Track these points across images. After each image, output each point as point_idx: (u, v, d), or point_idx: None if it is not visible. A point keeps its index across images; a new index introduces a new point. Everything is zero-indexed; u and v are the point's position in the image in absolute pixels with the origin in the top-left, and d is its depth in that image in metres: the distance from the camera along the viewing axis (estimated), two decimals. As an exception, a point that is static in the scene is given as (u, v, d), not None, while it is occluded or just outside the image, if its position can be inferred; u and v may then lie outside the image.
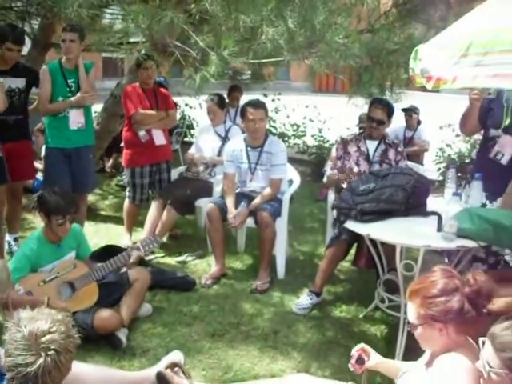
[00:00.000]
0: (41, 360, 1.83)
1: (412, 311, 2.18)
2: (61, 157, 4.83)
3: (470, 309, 2.07)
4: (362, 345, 2.50)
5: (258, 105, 4.66)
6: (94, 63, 4.97)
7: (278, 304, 4.20)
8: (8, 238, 5.06)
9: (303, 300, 4.12)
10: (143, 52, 4.74)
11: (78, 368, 2.82)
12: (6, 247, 4.95)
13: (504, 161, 3.64)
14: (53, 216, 3.60)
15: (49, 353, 1.85)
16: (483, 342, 1.93)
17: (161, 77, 6.86)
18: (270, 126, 8.58)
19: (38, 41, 6.33)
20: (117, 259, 3.78)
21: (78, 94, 4.71)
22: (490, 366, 1.87)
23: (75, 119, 4.78)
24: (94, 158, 5.35)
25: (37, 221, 5.72)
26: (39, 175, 5.91)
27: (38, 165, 5.99)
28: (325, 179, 4.72)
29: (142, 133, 5.12)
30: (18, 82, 4.65)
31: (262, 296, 4.31)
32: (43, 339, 1.87)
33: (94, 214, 5.96)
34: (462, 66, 2.04)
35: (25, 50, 5.13)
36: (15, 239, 5.03)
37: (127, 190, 5.46)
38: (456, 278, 2.15)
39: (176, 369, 2.89)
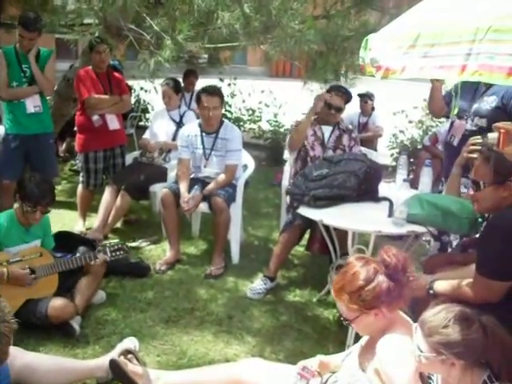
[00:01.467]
0: None
1: (343, 308, 2.23)
2: (17, 143, 4.73)
3: (393, 285, 2.15)
4: (302, 362, 2.52)
5: (214, 92, 4.62)
6: (53, 51, 4.86)
7: (232, 289, 4.23)
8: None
9: (257, 285, 4.16)
10: (96, 35, 4.65)
11: (30, 357, 2.83)
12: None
13: (455, 143, 3.75)
14: (25, 203, 3.55)
15: None
16: (415, 328, 2.01)
17: (115, 60, 6.75)
18: (226, 110, 8.55)
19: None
20: (83, 258, 3.74)
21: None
22: (421, 351, 1.96)
23: (32, 102, 4.70)
24: (53, 145, 5.24)
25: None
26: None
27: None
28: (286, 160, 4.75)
29: (95, 117, 5.05)
30: None
31: (217, 281, 4.33)
32: None
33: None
34: (411, 56, 2.08)
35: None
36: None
37: (81, 175, 5.39)
38: (371, 262, 2.22)
39: (130, 356, 2.88)
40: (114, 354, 2.97)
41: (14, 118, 4.71)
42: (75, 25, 4.59)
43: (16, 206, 3.65)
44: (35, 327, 3.48)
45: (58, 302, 3.50)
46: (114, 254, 3.90)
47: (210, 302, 4.00)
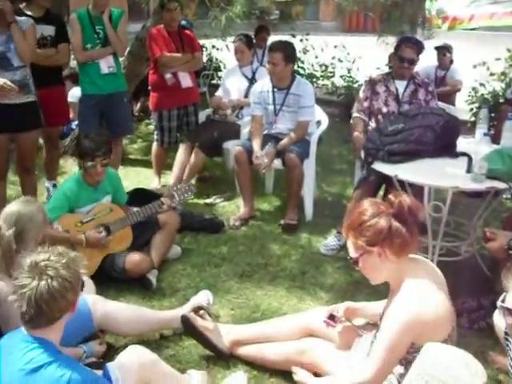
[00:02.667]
0: (34, 282, 1.90)
1: (351, 246, 2.28)
2: (93, 103, 4.84)
3: (398, 226, 2.16)
4: (332, 306, 2.57)
5: (275, 48, 4.55)
6: (124, 11, 4.89)
7: (305, 245, 4.23)
8: (47, 184, 5.15)
9: (331, 241, 4.14)
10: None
11: (111, 306, 2.94)
12: (45, 193, 5.06)
13: None
14: (84, 159, 3.65)
15: (42, 276, 1.91)
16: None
17: (184, 20, 6.75)
18: (298, 66, 8.41)
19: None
20: (152, 206, 3.81)
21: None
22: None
23: (106, 63, 4.77)
24: (128, 103, 5.34)
25: (67, 166, 5.83)
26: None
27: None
28: (351, 121, 4.64)
29: (168, 76, 5.10)
30: (50, 30, 4.59)
31: (290, 237, 4.34)
32: (41, 264, 1.94)
33: (123, 158, 5.98)
34: (479, 4, 1.96)
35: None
36: (54, 185, 5.10)
37: (155, 133, 5.48)
38: (381, 204, 2.24)
39: (201, 312, 2.95)
40: (187, 307, 3.05)
41: (90, 79, 4.81)
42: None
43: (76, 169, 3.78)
44: (115, 280, 3.63)
45: (134, 257, 3.62)
46: (181, 196, 3.94)
47: (283, 258, 4.02)
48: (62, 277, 1.93)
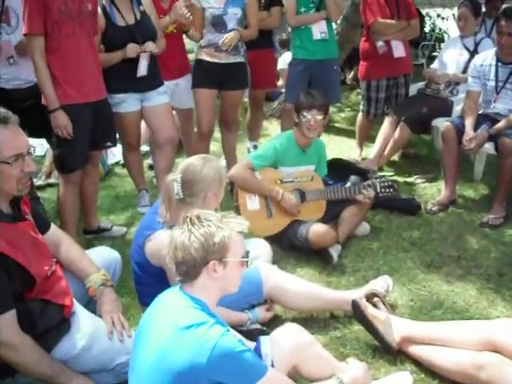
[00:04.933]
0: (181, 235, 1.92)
1: None
2: (303, 68, 4.78)
3: None
4: None
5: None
6: None
7: (508, 243, 3.74)
8: (249, 144, 5.30)
9: (542, 243, 3.62)
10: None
11: (284, 277, 2.90)
12: (246, 153, 5.19)
13: None
14: (300, 111, 3.65)
15: (188, 227, 1.92)
16: None
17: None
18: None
19: None
20: (351, 189, 3.75)
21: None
22: None
23: (318, 29, 4.66)
24: (338, 71, 5.21)
25: (271, 128, 5.91)
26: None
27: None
28: None
29: (380, 43, 4.85)
30: None
31: (493, 231, 3.88)
32: (192, 217, 1.96)
33: (328, 126, 5.90)
34: None
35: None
36: (255, 146, 5.24)
37: (362, 103, 5.30)
38: None
39: (375, 299, 2.74)
40: (362, 291, 2.87)
41: (301, 43, 4.72)
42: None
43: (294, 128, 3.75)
44: (297, 248, 3.59)
45: (319, 228, 3.53)
46: (383, 190, 3.80)
47: (480, 253, 3.60)
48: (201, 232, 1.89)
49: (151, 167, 4.86)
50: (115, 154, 5.16)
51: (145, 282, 2.64)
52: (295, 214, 3.64)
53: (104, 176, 4.88)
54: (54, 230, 2.50)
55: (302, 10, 4.64)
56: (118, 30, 3.73)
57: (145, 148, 5.03)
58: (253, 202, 3.66)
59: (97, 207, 4.02)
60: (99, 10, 3.61)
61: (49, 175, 4.81)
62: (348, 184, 3.89)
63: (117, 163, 5.24)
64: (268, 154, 3.70)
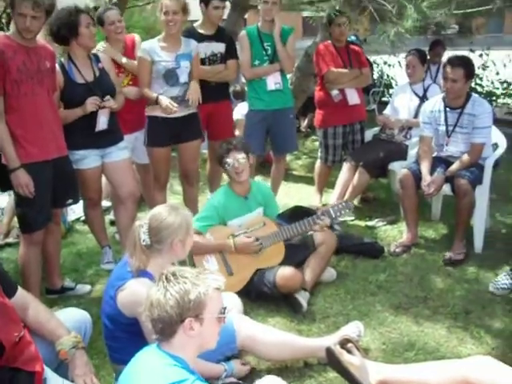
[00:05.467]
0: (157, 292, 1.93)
1: None
2: (260, 118, 4.86)
3: None
4: None
5: (457, 63, 4.17)
6: (294, 28, 4.85)
7: (472, 280, 3.83)
8: (209, 196, 5.28)
9: (502, 279, 3.69)
10: (336, 8, 4.53)
11: (257, 328, 2.88)
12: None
13: None
14: (224, 159, 3.70)
15: (163, 285, 1.93)
16: None
17: (353, 35, 6.60)
18: (476, 84, 7.84)
19: (237, 2, 6.37)
20: (306, 222, 3.71)
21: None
22: None
23: (273, 80, 4.76)
24: (294, 119, 5.32)
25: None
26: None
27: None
28: None
29: (334, 92, 4.99)
30: (221, 47, 4.69)
31: (456, 270, 3.97)
32: (167, 274, 1.96)
33: (286, 174, 5.97)
34: None
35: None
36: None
37: (319, 150, 5.39)
38: None
39: (349, 345, 2.73)
40: (335, 337, 2.87)
41: (256, 94, 4.82)
42: (314, 1, 4.48)
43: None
44: (266, 298, 3.57)
45: (286, 271, 3.53)
46: (338, 213, 3.77)
47: (445, 293, 3.67)
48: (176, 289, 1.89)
49: (112, 223, 4.81)
50: (75, 210, 5.08)
51: (117, 336, 2.57)
52: (257, 250, 3.63)
53: (65, 233, 4.78)
54: (20, 292, 2.42)
55: (257, 62, 4.75)
56: (76, 88, 3.72)
57: (106, 203, 4.97)
58: (210, 264, 3.63)
59: (60, 266, 3.93)
60: (57, 67, 3.62)
61: (7, 235, 4.70)
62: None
63: (77, 220, 5.15)
64: (209, 213, 3.72)
